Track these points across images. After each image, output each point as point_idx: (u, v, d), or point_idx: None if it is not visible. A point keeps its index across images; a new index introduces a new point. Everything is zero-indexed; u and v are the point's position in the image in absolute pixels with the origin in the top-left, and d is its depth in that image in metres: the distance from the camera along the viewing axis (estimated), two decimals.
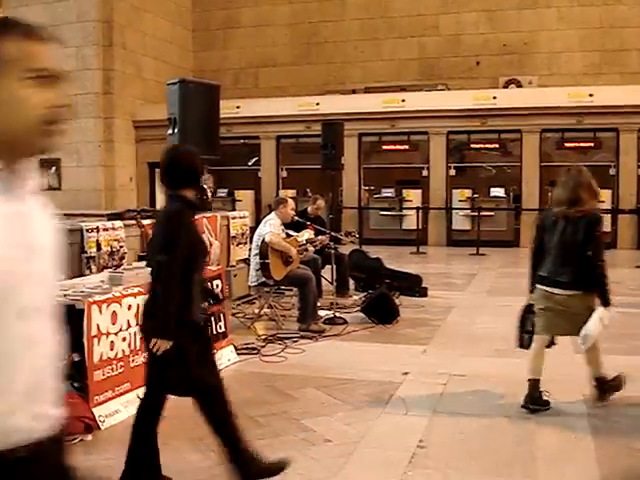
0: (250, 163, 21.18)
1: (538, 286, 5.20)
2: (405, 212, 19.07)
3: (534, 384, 5.11)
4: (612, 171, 17.89)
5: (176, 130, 7.16)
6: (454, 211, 18.66)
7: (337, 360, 6.71)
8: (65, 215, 8.96)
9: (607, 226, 17.42)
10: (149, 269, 3.91)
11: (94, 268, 7.28)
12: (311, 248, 8.90)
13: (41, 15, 19.87)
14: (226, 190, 20.90)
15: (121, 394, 5.16)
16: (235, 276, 9.56)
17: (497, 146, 19.42)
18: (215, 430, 3.79)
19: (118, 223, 7.94)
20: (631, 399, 5.39)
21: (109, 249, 7.59)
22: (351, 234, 9.83)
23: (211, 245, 9.52)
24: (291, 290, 9.00)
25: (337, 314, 8.51)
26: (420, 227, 17.84)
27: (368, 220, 19.46)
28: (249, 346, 7.07)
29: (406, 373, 6.13)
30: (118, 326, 5.17)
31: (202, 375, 3.79)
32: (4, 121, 1.52)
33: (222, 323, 6.66)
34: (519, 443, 4.51)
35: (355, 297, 9.79)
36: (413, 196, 19.12)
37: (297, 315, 8.15)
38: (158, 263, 3.66)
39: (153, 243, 4.01)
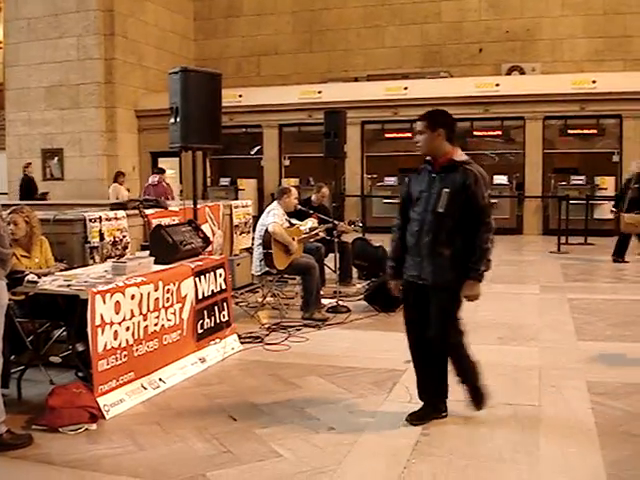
0: (252, 152, 21.16)
1: None
2: None
3: None
4: (615, 158, 17.84)
5: (178, 119, 7.13)
6: None
7: (340, 348, 6.71)
8: (68, 205, 8.97)
9: (610, 213, 17.42)
10: None
11: (97, 258, 7.28)
12: (322, 234, 8.89)
13: (42, 5, 19.87)
14: (229, 179, 20.90)
15: (125, 383, 5.17)
16: (238, 265, 9.57)
17: (500, 133, 19.37)
18: None
19: (121, 213, 7.94)
20: (632, 386, 5.40)
21: (112, 239, 7.59)
22: (355, 223, 9.81)
23: (214, 234, 9.53)
24: (294, 279, 9.01)
25: (340, 302, 8.51)
26: None
27: (371, 208, 19.42)
28: (253, 335, 7.09)
29: (409, 361, 6.12)
30: (122, 316, 5.17)
31: None
32: None
33: (225, 312, 6.66)
34: (522, 430, 4.52)
35: (358, 285, 9.79)
36: None
37: (300, 304, 8.17)
38: None
39: None
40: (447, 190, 4.46)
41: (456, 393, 4.78)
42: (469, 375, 4.75)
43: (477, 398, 4.75)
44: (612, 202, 13.82)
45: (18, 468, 4.05)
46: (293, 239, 8.14)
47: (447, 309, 4.62)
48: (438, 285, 4.55)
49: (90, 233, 7.28)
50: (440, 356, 4.75)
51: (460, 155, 4.63)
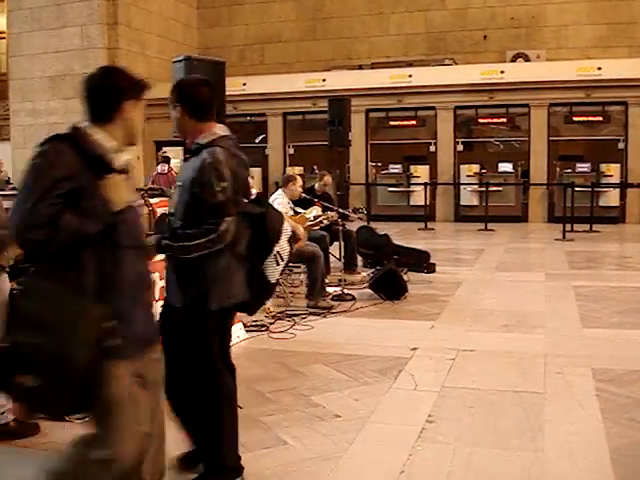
0: (257, 140, 21.13)
1: None
2: (413, 188, 18.98)
3: None
4: (621, 145, 17.78)
5: None
6: (462, 187, 18.59)
7: (346, 336, 6.73)
8: None
9: (615, 200, 17.40)
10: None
11: None
12: (325, 221, 8.86)
13: None
14: None
15: None
16: None
17: (505, 121, 19.29)
18: None
19: None
20: (637, 373, 5.41)
21: None
22: (359, 211, 9.81)
23: None
24: (299, 267, 9.01)
25: (345, 290, 8.52)
26: (428, 203, 17.79)
27: (376, 196, 19.40)
28: (258, 323, 7.09)
29: (415, 348, 6.14)
30: None
31: None
32: None
33: None
34: (527, 417, 4.52)
35: (363, 273, 9.79)
36: (421, 172, 19.02)
37: (305, 292, 8.17)
38: None
39: None
40: (180, 184, 3.50)
41: (460, 381, 4.76)
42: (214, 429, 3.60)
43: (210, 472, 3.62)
44: (618, 189, 13.79)
45: (25, 456, 4.06)
46: None
47: (193, 338, 3.49)
48: (175, 308, 3.51)
49: None
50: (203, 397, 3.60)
51: (209, 135, 3.54)
